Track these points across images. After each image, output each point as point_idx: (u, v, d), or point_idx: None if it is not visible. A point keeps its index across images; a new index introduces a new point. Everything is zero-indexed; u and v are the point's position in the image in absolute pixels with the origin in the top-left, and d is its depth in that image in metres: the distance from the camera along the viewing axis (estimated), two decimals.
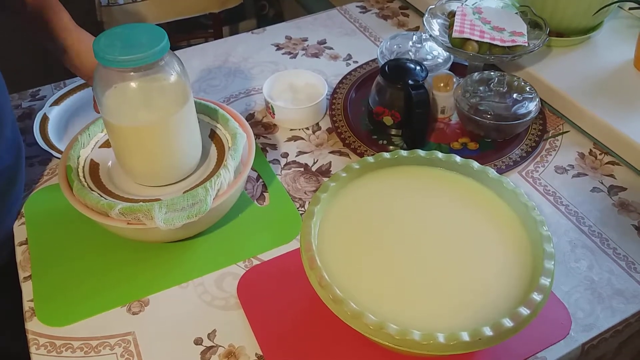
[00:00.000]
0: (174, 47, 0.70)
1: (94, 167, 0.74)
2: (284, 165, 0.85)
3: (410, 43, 0.97)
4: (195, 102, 0.73)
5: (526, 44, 0.88)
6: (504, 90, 0.85)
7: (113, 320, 0.67)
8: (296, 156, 0.87)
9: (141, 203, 0.66)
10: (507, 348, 0.62)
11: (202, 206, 0.66)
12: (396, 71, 0.86)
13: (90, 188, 0.71)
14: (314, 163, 0.86)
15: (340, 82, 0.98)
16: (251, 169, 0.74)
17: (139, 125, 0.67)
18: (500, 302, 0.56)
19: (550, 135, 0.89)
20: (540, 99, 0.88)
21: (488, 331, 0.52)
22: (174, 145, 0.70)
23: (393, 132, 0.88)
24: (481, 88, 0.86)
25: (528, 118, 0.83)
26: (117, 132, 0.68)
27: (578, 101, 0.88)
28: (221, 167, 0.70)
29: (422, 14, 1.13)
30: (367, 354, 0.61)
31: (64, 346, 0.64)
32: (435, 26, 0.95)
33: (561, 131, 0.90)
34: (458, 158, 0.68)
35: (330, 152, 0.87)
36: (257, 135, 0.90)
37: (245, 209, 0.78)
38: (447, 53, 0.95)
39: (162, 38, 0.63)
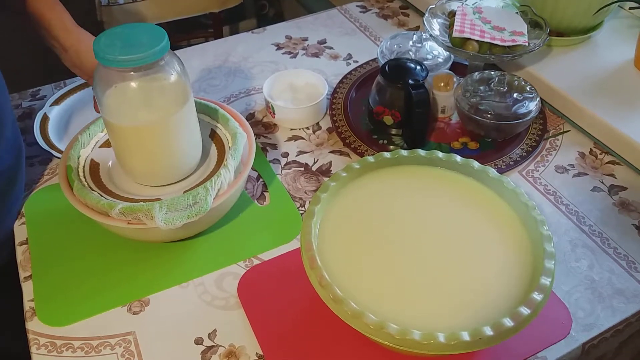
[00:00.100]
0: (174, 47, 0.70)
1: (94, 166, 0.74)
2: (284, 164, 0.85)
3: (411, 43, 0.97)
4: (195, 102, 0.73)
5: (526, 44, 0.88)
6: (505, 90, 0.85)
7: (113, 320, 0.67)
8: (296, 156, 0.87)
9: (141, 203, 0.66)
10: (508, 348, 0.62)
11: (202, 206, 0.66)
12: (396, 71, 0.86)
13: (90, 188, 0.71)
14: (314, 163, 0.86)
15: (341, 81, 0.98)
16: (251, 168, 0.74)
17: (139, 125, 0.67)
18: (501, 302, 0.56)
19: (550, 134, 0.89)
20: (541, 99, 0.88)
21: (488, 331, 0.52)
22: (174, 145, 0.70)
23: (393, 131, 0.88)
24: (481, 88, 0.86)
25: (528, 118, 0.83)
26: (118, 132, 0.68)
27: (578, 101, 0.88)
28: (221, 166, 0.70)
29: (422, 14, 1.13)
30: (368, 353, 0.61)
31: (64, 346, 0.64)
32: (435, 26, 0.95)
33: (561, 131, 0.90)
34: (458, 158, 0.68)
35: (330, 152, 0.87)
36: (257, 135, 0.90)
37: (246, 208, 0.78)
38: (448, 53, 0.95)
39: (162, 38, 0.63)
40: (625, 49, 0.98)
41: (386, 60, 0.89)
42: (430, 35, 0.92)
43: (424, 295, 0.57)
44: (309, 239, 0.59)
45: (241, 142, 0.73)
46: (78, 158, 0.74)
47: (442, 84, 0.89)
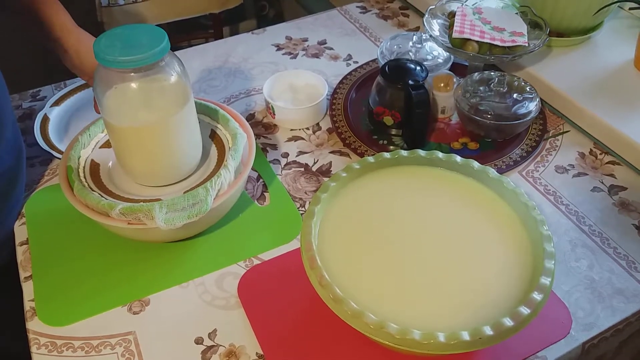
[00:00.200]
0: (174, 48, 0.70)
1: (94, 167, 0.74)
2: (285, 165, 0.85)
3: (411, 43, 0.97)
4: (195, 103, 0.73)
5: (526, 44, 0.88)
6: (504, 90, 0.85)
7: (114, 319, 0.67)
8: (296, 156, 0.87)
9: (142, 203, 0.66)
10: (508, 347, 0.62)
11: (202, 206, 0.66)
12: (396, 71, 0.86)
13: (90, 188, 0.71)
14: (315, 163, 0.86)
15: (341, 82, 0.98)
16: (251, 169, 0.74)
17: (139, 125, 0.67)
18: (501, 302, 0.56)
19: (550, 135, 0.90)
20: (541, 99, 0.89)
21: (488, 330, 0.52)
22: (174, 146, 0.70)
23: (393, 132, 0.88)
24: (481, 88, 0.86)
25: (528, 118, 0.83)
26: (118, 133, 0.68)
27: (578, 101, 0.88)
28: (221, 167, 0.70)
29: (422, 14, 1.13)
30: (368, 353, 0.61)
31: (64, 346, 0.64)
32: (435, 26, 0.95)
33: (561, 131, 0.90)
34: (458, 158, 0.68)
35: (330, 152, 0.88)
36: (257, 136, 0.90)
37: (246, 209, 0.78)
38: (447, 53, 0.95)
39: (163, 39, 0.63)
40: (625, 49, 0.98)
41: (386, 61, 0.89)
42: (430, 35, 0.92)
43: (424, 295, 0.57)
44: (309, 239, 0.59)
45: (241, 142, 0.73)
46: (78, 159, 0.74)
47: (442, 85, 0.89)
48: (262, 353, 0.63)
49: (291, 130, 0.92)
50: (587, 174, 0.83)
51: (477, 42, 0.88)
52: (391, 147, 0.87)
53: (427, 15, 0.95)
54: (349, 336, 0.62)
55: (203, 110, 0.79)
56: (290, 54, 1.09)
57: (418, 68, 0.86)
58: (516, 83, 0.86)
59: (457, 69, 0.98)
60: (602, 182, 0.82)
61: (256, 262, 0.72)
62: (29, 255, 0.74)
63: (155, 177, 0.73)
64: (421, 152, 0.69)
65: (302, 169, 0.85)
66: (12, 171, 0.78)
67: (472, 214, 0.64)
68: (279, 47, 1.10)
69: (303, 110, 0.90)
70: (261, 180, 0.83)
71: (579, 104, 0.88)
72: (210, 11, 1.94)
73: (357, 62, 1.05)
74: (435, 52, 0.97)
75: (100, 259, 0.73)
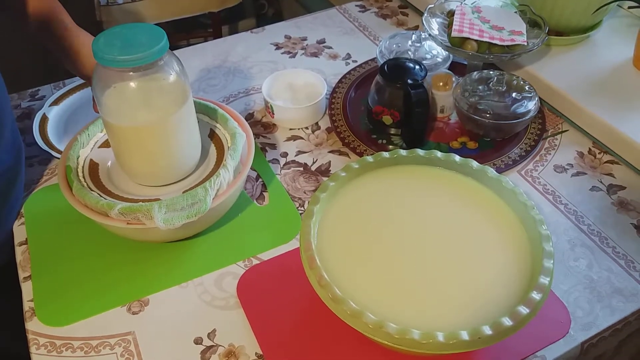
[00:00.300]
0: (173, 47, 0.70)
1: (93, 167, 0.74)
2: (284, 164, 0.85)
3: (410, 42, 0.97)
4: (194, 102, 0.73)
5: (525, 43, 0.88)
6: (503, 90, 0.85)
7: (113, 320, 0.67)
8: (295, 156, 0.87)
9: (141, 203, 0.66)
10: (507, 347, 0.62)
11: (201, 206, 0.66)
12: (395, 70, 0.86)
13: (89, 188, 0.71)
14: (314, 162, 0.86)
15: (340, 81, 0.98)
16: (250, 168, 0.74)
17: (138, 125, 0.67)
18: (500, 301, 0.56)
19: (549, 134, 0.90)
20: (540, 98, 0.89)
21: (487, 330, 0.52)
22: (173, 145, 0.70)
23: (392, 131, 0.88)
24: (480, 87, 0.86)
25: (527, 117, 0.83)
26: (117, 132, 0.68)
27: (577, 100, 0.88)
28: (220, 166, 0.70)
29: (421, 13, 1.13)
30: (367, 353, 0.61)
31: (64, 346, 0.64)
32: (434, 25, 0.95)
33: (560, 130, 0.90)
34: (457, 157, 0.68)
35: (329, 152, 0.87)
36: (256, 135, 0.90)
37: (245, 208, 0.78)
38: (446, 52, 0.95)
39: (161, 38, 0.63)
40: (624, 48, 0.98)
41: (385, 60, 0.89)
42: (429, 34, 0.92)
43: (423, 295, 0.57)
44: (308, 239, 0.59)
45: (240, 142, 0.73)
46: (77, 158, 0.74)
47: (441, 84, 0.89)
48: (261, 353, 0.63)
49: (290, 129, 0.91)
50: (586, 173, 0.83)
51: (476, 41, 0.88)
52: (390, 146, 0.87)
53: (426, 14, 0.95)
54: (348, 336, 0.62)
55: (202, 109, 0.79)
56: (289, 53, 1.09)
57: (417, 67, 0.86)
58: (515, 82, 0.86)
59: (456, 68, 0.98)
60: (601, 182, 0.82)
61: (255, 262, 0.72)
62: (28, 255, 0.74)
63: (154, 176, 0.73)
64: (420, 152, 0.69)
65: (301, 169, 0.85)
66: (11, 171, 0.78)
67: (471, 214, 0.64)
68: (278, 46, 1.10)
69: (302, 109, 0.90)
70: (260, 179, 0.83)
71: (578, 103, 0.88)
72: (209, 10, 1.94)
73: (356, 61, 1.05)
74: (434, 51, 0.97)
75: (99, 259, 0.73)
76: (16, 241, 0.76)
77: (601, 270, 0.70)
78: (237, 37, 1.14)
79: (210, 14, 1.97)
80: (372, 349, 0.61)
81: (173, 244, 0.74)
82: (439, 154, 0.69)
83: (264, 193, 0.81)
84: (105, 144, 0.77)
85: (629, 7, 1.07)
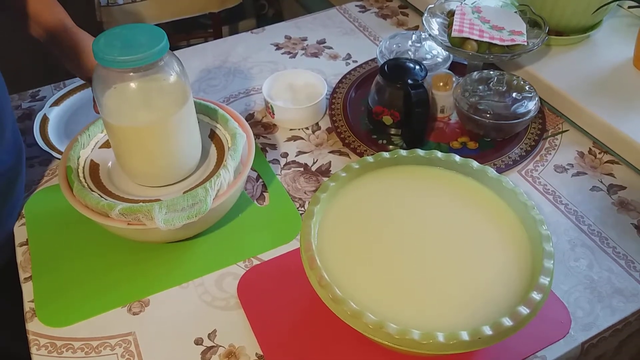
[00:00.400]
0: (173, 47, 0.70)
1: (94, 167, 0.74)
2: (284, 165, 0.85)
3: (410, 42, 0.97)
4: (194, 102, 0.73)
5: (525, 43, 0.88)
6: (504, 90, 0.85)
7: (113, 320, 0.67)
8: (296, 156, 0.87)
9: (141, 203, 0.66)
10: (507, 347, 0.62)
11: (202, 206, 0.66)
12: (395, 70, 0.86)
13: (90, 189, 0.71)
14: (314, 163, 0.86)
15: (340, 81, 0.98)
16: (251, 169, 0.74)
17: (138, 125, 0.67)
18: (500, 301, 0.56)
19: (549, 134, 0.90)
20: (540, 98, 0.89)
21: (488, 330, 0.52)
22: (173, 146, 0.70)
23: (392, 131, 0.88)
24: (480, 87, 0.86)
25: (527, 117, 0.83)
26: (117, 133, 0.68)
27: (577, 100, 0.88)
28: (221, 167, 0.70)
29: (421, 13, 1.13)
30: (367, 353, 0.61)
31: (64, 347, 0.64)
32: (434, 25, 0.95)
33: (560, 130, 0.90)
34: (457, 157, 0.68)
35: (329, 152, 0.88)
36: (256, 135, 0.90)
37: (245, 209, 0.78)
38: (447, 52, 0.95)
39: (162, 38, 0.63)
40: (624, 48, 0.98)
41: (385, 60, 0.89)
42: (429, 34, 0.92)
43: (423, 295, 0.57)
44: (308, 239, 0.59)
45: (240, 142, 0.73)
46: (78, 159, 0.74)
47: (441, 84, 0.89)
48: (261, 353, 0.63)
49: (290, 130, 0.92)
50: (586, 173, 0.83)
51: (476, 41, 0.88)
52: (390, 146, 0.87)
53: (426, 14, 0.95)
54: (349, 336, 0.62)
55: (202, 110, 0.79)
56: (289, 53, 1.09)
57: (417, 67, 0.86)
58: (515, 82, 0.86)
59: (456, 68, 0.98)
60: (601, 182, 0.82)
61: (256, 262, 0.72)
62: (29, 256, 0.74)
63: (155, 177, 0.73)
64: (420, 152, 0.69)
65: (302, 169, 0.85)
66: (12, 171, 0.78)
67: (471, 214, 0.64)
68: (278, 47, 1.10)
69: (302, 109, 0.90)
70: (260, 180, 0.83)
71: (578, 103, 0.88)
72: (210, 10, 1.94)
73: (356, 62, 1.05)
74: (434, 51, 0.97)
75: (99, 260, 0.73)
76: (17, 242, 0.76)
77: (601, 270, 0.70)
78: (238, 37, 1.14)
79: (211, 15, 1.97)
80: (372, 349, 0.61)
81: (173, 244, 0.74)
82: (439, 154, 0.69)
83: (264, 193, 0.81)
84: (106, 145, 0.77)
85: (629, 7, 1.07)
